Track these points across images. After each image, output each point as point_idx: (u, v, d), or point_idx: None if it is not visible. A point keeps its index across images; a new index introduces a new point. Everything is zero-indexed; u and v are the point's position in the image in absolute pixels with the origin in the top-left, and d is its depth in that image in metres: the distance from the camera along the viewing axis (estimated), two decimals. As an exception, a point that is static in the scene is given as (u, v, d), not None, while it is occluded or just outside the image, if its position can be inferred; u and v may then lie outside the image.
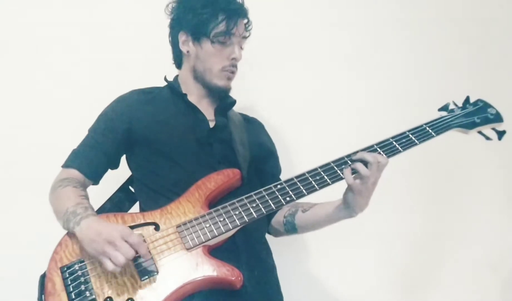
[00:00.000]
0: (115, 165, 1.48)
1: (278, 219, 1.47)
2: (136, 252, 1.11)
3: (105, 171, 1.45)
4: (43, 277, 1.16)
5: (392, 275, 1.86)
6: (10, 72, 1.85)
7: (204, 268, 1.16)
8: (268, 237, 1.47)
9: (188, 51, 1.48)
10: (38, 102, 1.84)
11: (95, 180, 1.43)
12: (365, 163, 1.22)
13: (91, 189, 1.40)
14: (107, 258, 1.09)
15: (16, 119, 1.83)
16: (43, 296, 1.13)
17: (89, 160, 1.40)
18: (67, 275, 1.14)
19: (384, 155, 1.27)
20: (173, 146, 1.37)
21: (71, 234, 1.22)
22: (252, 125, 1.60)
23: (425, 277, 1.89)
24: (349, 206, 1.28)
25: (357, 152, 1.28)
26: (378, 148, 1.33)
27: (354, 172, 1.23)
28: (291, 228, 1.44)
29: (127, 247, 1.09)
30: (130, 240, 1.10)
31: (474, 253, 1.94)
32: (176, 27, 1.51)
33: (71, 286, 1.12)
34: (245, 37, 1.51)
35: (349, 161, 1.30)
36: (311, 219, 1.39)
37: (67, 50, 1.89)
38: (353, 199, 1.25)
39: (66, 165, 1.41)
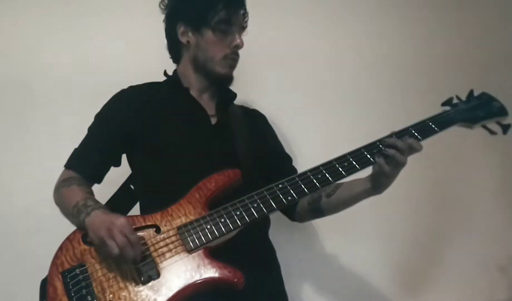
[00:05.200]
0: (116, 163, 1.46)
1: (303, 205, 1.46)
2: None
3: (107, 169, 1.44)
4: (44, 282, 1.16)
5: (397, 275, 1.85)
6: (9, 71, 1.84)
7: (205, 270, 1.15)
8: (271, 235, 1.45)
9: (188, 41, 1.46)
10: (38, 101, 1.83)
11: (97, 180, 1.43)
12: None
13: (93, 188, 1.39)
14: (104, 243, 1.11)
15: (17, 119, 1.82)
16: (44, 301, 1.13)
17: (89, 162, 1.40)
18: (68, 280, 1.13)
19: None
20: (174, 147, 1.36)
21: (72, 238, 1.22)
22: (254, 119, 1.58)
23: (428, 276, 1.89)
24: (379, 186, 1.30)
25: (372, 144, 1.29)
26: (380, 146, 1.31)
27: (386, 157, 1.26)
28: (317, 213, 1.46)
29: (122, 237, 1.11)
30: (128, 236, 1.12)
31: (478, 251, 1.92)
32: (173, 19, 1.49)
33: (72, 291, 1.11)
34: (243, 28, 1.49)
35: (350, 158, 1.29)
36: (336, 202, 1.40)
37: (66, 49, 1.88)
38: (386, 181, 1.28)
39: (67, 166, 1.41)
